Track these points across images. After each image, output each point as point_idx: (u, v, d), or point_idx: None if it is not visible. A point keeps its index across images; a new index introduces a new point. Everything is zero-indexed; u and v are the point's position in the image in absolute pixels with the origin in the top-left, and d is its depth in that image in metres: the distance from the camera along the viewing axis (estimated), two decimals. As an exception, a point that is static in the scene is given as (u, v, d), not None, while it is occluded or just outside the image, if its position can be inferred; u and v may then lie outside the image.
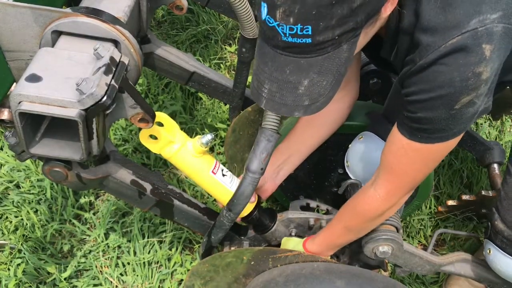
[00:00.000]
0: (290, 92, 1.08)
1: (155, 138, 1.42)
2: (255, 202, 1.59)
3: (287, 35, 1.01)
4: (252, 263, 1.49)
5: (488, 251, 1.56)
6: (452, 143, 1.23)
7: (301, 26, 0.99)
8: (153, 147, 1.42)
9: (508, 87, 1.47)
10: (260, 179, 1.44)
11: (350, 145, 1.68)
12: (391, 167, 1.32)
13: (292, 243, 1.63)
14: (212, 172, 1.49)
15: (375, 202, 1.38)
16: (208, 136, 1.43)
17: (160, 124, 1.43)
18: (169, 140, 1.41)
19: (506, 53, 1.11)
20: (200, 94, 2.66)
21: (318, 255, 1.55)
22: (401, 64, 1.21)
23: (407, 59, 1.16)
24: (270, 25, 1.02)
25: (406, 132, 1.23)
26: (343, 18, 0.99)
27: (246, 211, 1.58)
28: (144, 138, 1.41)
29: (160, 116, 1.41)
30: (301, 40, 1.01)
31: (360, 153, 1.65)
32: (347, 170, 1.70)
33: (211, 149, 2.47)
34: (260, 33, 1.11)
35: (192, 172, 1.50)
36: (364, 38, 1.12)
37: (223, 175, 1.51)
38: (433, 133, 1.19)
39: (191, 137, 1.48)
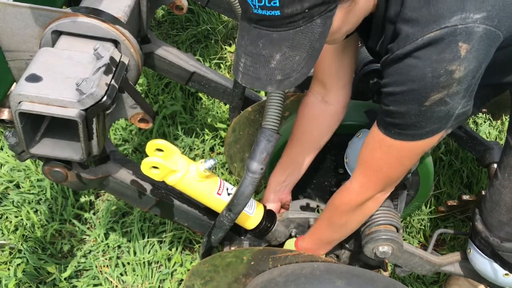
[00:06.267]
0: (263, 66, 1.08)
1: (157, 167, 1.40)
2: (262, 215, 1.59)
3: (257, 7, 1.02)
4: (252, 263, 1.49)
5: (468, 251, 1.60)
6: (426, 143, 1.21)
7: None
8: (156, 176, 1.40)
9: (508, 90, 1.46)
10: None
11: (349, 142, 1.69)
12: (365, 161, 1.33)
13: (288, 244, 1.65)
14: (217, 193, 1.49)
15: (349, 195, 1.40)
16: (211, 161, 1.42)
17: (160, 150, 1.42)
18: (170, 169, 1.40)
19: (486, 55, 1.09)
20: (200, 94, 2.66)
21: (310, 253, 1.55)
22: (384, 54, 1.21)
23: (388, 47, 1.16)
24: None
25: (382, 127, 1.24)
26: None
27: (253, 224, 1.58)
28: (146, 169, 1.39)
29: (160, 143, 1.40)
30: (270, 12, 1.02)
31: (358, 150, 1.66)
32: (346, 167, 1.70)
33: (211, 149, 2.47)
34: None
35: (197, 196, 1.50)
36: (347, 15, 1.11)
37: (229, 194, 1.51)
38: (404, 129, 1.18)
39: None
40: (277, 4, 1.00)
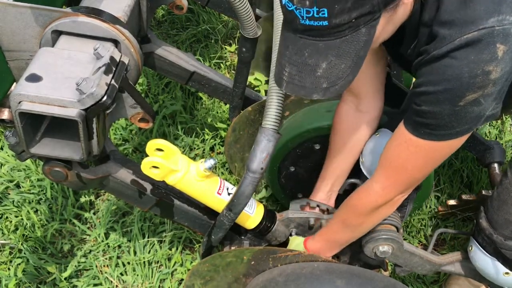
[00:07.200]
0: (308, 74, 1.09)
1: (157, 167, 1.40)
2: (262, 215, 1.59)
3: (305, 18, 1.03)
4: (252, 262, 1.49)
5: (470, 248, 1.59)
6: (454, 143, 1.21)
7: (317, 9, 1.00)
8: (156, 175, 1.41)
9: None
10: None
11: (367, 141, 1.68)
12: (390, 162, 1.32)
13: (294, 242, 1.63)
14: (218, 193, 1.49)
15: (369, 196, 1.39)
16: (211, 161, 1.43)
17: (160, 150, 1.41)
18: (170, 169, 1.40)
19: None
20: (200, 94, 2.66)
21: (319, 253, 1.54)
22: (416, 57, 1.21)
23: (422, 49, 1.17)
24: (289, 8, 1.05)
25: (410, 127, 1.23)
26: (359, 1, 1.00)
27: (253, 224, 1.58)
28: (146, 169, 1.39)
29: (160, 143, 1.40)
30: (318, 22, 1.03)
31: (376, 149, 1.65)
32: (361, 166, 1.70)
33: (211, 149, 2.47)
34: (283, 19, 1.13)
35: (198, 196, 1.50)
36: (387, 24, 1.12)
37: (229, 193, 1.51)
38: (435, 129, 1.18)
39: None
40: (326, 15, 1.01)
